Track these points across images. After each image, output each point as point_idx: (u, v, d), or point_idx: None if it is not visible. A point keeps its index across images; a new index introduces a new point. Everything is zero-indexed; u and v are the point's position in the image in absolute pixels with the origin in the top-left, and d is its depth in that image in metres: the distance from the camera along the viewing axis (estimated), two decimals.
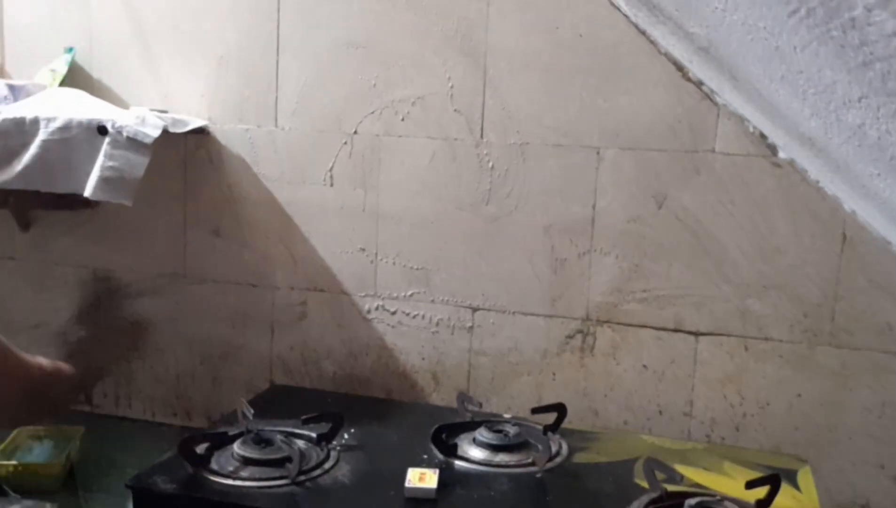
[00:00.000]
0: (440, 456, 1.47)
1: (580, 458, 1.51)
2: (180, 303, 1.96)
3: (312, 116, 1.83)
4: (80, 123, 1.62)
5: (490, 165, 1.74)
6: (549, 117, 1.70)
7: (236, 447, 1.43)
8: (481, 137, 1.74)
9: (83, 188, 1.61)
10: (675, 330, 1.68)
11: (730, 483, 1.42)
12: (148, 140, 1.62)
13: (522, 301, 1.76)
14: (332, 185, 1.84)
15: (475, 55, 1.73)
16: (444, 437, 1.52)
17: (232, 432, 1.48)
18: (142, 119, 1.64)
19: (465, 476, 1.42)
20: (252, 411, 1.50)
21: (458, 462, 1.46)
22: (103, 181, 1.59)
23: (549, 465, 1.45)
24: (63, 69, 1.91)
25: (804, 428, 1.63)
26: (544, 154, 1.71)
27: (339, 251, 1.86)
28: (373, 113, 1.80)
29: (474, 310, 1.79)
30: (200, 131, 1.88)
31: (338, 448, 1.50)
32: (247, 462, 1.40)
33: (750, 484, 1.29)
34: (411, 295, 1.82)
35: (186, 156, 1.92)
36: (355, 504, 1.33)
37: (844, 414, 1.61)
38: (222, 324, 1.95)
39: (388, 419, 1.66)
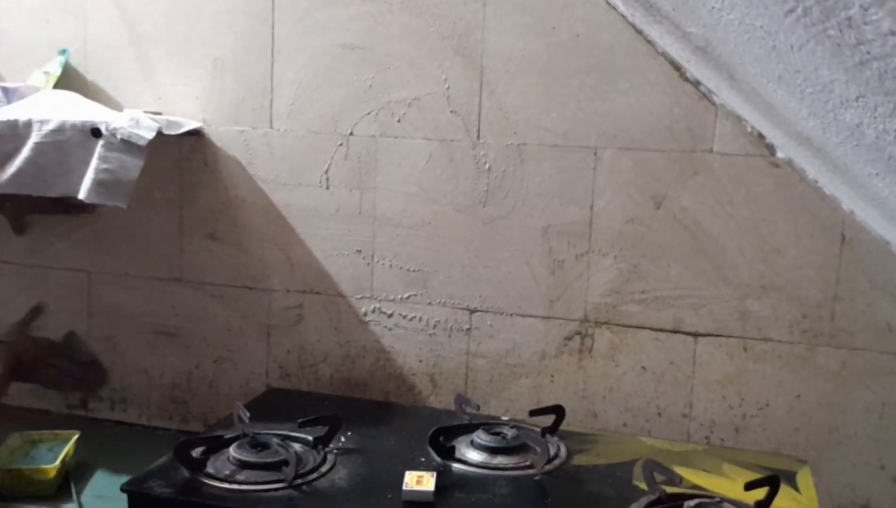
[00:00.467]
0: (438, 459, 1.47)
1: (579, 460, 1.50)
2: (176, 307, 1.96)
3: (308, 118, 1.83)
4: (73, 126, 1.61)
5: (487, 166, 1.73)
6: (547, 118, 1.69)
7: (232, 450, 1.43)
8: (478, 138, 1.73)
9: (77, 191, 1.60)
10: (674, 331, 1.67)
11: (729, 484, 1.41)
12: (142, 142, 1.61)
13: (520, 303, 1.75)
14: (327, 187, 1.83)
15: (471, 56, 1.72)
16: (442, 440, 1.51)
17: (228, 435, 1.48)
18: (136, 121, 1.63)
19: (463, 479, 1.41)
20: (248, 414, 1.49)
21: (455, 465, 1.45)
22: (97, 184, 1.58)
23: (548, 467, 1.45)
24: (57, 71, 1.90)
25: (804, 429, 1.63)
26: (541, 155, 1.70)
27: (336, 254, 1.85)
28: (369, 114, 1.79)
29: (472, 312, 1.78)
30: (195, 134, 1.87)
31: (335, 451, 1.49)
32: (243, 465, 1.39)
33: (749, 486, 1.29)
34: (408, 297, 1.82)
35: (181, 159, 1.91)
36: (352, 507, 1.32)
37: (844, 415, 1.60)
38: (218, 327, 1.94)
39: (385, 422, 1.65)
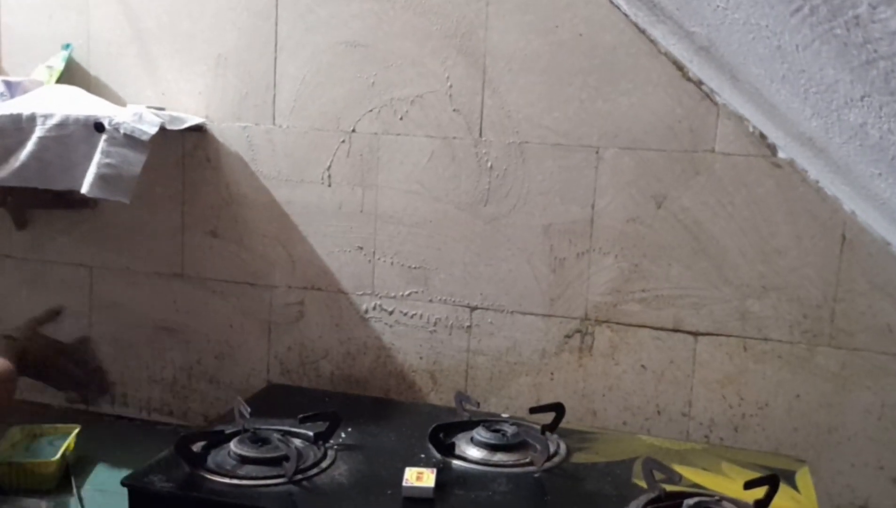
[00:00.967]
0: (438, 456, 1.47)
1: (578, 458, 1.50)
2: (178, 302, 1.96)
3: (311, 115, 1.83)
4: (76, 120, 1.62)
5: (489, 164, 1.73)
6: (549, 117, 1.70)
7: (233, 445, 1.43)
8: (480, 136, 1.74)
9: (80, 185, 1.60)
10: (675, 330, 1.68)
11: (728, 483, 1.41)
12: (145, 137, 1.61)
13: (521, 301, 1.76)
14: (329, 184, 1.83)
15: (474, 55, 1.72)
16: (442, 436, 1.51)
17: (229, 430, 1.48)
18: (139, 116, 1.64)
19: (463, 476, 1.41)
20: (249, 409, 1.49)
21: (455, 462, 1.46)
22: (100, 179, 1.58)
23: (548, 465, 1.45)
24: (60, 66, 1.90)
25: (803, 429, 1.63)
26: (543, 154, 1.71)
27: (337, 251, 1.85)
28: (371, 112, 1.79)
29: (472, 310, 1.79)
30: (198, 129, 1.87)
31: (335, 447, 1.49)
32: (244, 460, 1.40)
33: (748, 485, 1.29)
34: (409, 295, 1.82)
35: (184, 155, 1.91)
36: (352, 503, 1.32)
37: (844, 416, 1.61)
38: (219, 323, 1.94)
39: (385, 419, 1.66)
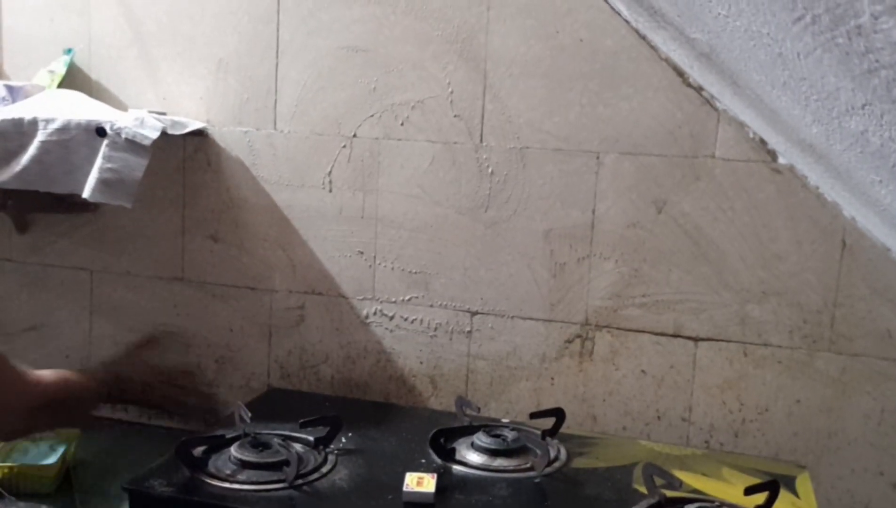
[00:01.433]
0: (438, 461, 1.47)
1: (579, 463, 1.51)
2: (178, 306, 1.96)
3: (312, 120, 1.83)
4: (78, 125, 1.62)
5: (490, 170, 1.74)
6: (549, 122, 1.70)
7: (233, 450, 1.43)
8: (481, 141, 1.74)
9: (81, 189, 1.60)
10: (675, 336, 1.68)
11: (729, 489, 1.41)
12: (146, 142, 1.61)
13: (521, 306, 1.76)
14: (330, 188, 1.83)
15: (475, 60, 1.72)
16: (443, 441, 1.51)
17: (229, 435, 1.48)
18: (140, 121, 1.64)
19: (464, 481, 1.41)
20: (250, 414, 1.50)
21: (456, 467, 1.46)
22: (102, 183, 1.58)
23: (548, 470, 1.45)
24: (62, 70, 1.90)
25: (803, 435, 1.63)
26: (544, 159, 1.71)
27: (338, 255, 1.85)
28: (372, 116, 1.79)
29: (473, 314, 1.79)
30: (199, 134, 1.88)
31: (335, 452, 1.49)
32: (244, 465, 1.40)
33: (749, 490, 1.29)
34: (410, 299, 1.82)
35: (185, 159, 1.91)
36: None
37: (844, 421, 1.61)
38: (220, 327, 1.94)
39: (386, 424, 1.66)
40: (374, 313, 1.85)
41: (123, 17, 1.92)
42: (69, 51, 1.94)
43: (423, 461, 1.47)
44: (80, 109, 1.72)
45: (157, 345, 1.85)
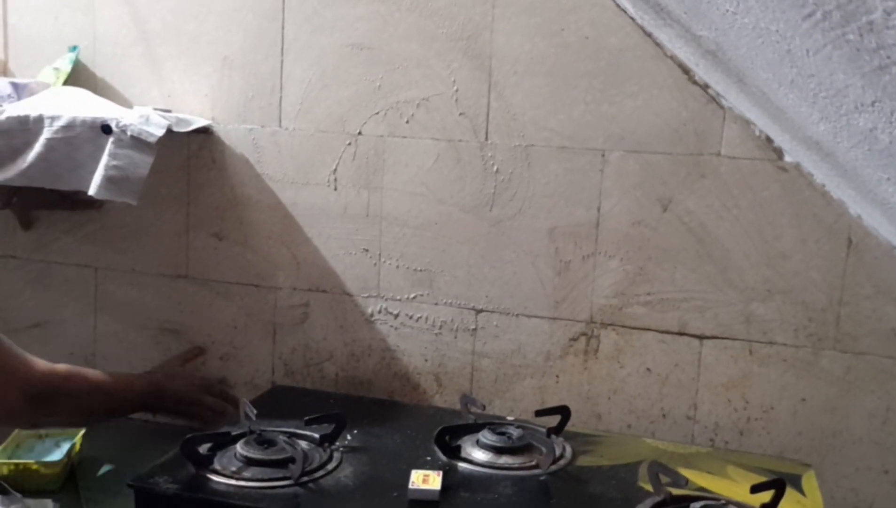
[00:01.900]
0: (443, 458, 1.47)
1: (584, 461, 1.51)
2: (182, 303, 1.96)
3: (316, 117, 1.83)
4: (84, 122, 1.62)
5: (494, 168, 1.74)
6: (554, 120, 1.70)
7: (239, 447, 1.43)
8: (486, 139, 1.74)
9: (86, 186, 1.60)
10: (680, 334, 1.68)
11: (734, 487, 1.41)
12: (152, 139, 1.61)
13: (526, 304, 1.76)
14: (335, 186, 1.83)
15: (480, 57, 1.72)
16: (448, 439, 1.51)
17: (235, 432, 1.48)
18: (146, 118, 1.64)
19: (469, 478, 1.41)
20: (255, 411, 1.50)
21: (461, 464, 1.46)
22: (107, 180, 1.58)
23: (553, 468, 1.45)
24: (67, 68, 1.90)
25: (808, 433, 1.63)
26: (549, 157, 1.71)
27: (342, 253, 1.85)
28: (377, 114, 1.79)
29: (478, 312, 1.79)
30: (204, 131, 1.88)
31: (340, 449, 1.49)
32: (250, 462, 1.40)
33: (755, 488, 1.29)
34: (414, 297, 1.82)
35: (189, 156, 1.92)
36: (358, 505, 1.32)
37: (849, 420, 1.61)
38: (224, 325, 1.94)
39: (390, 421, 1.66)
40: (379, 311, 1.85)
41: (128, 15, 1.92)
42: (74, 48, 1.94)
43: (429, 458, 1.47)
44: (85, 106, 1.72)
45: (202, 355, 1.87)
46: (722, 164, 1.62)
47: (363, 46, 1.79)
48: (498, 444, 1.49)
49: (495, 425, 1.56)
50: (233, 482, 1.35)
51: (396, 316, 1.84)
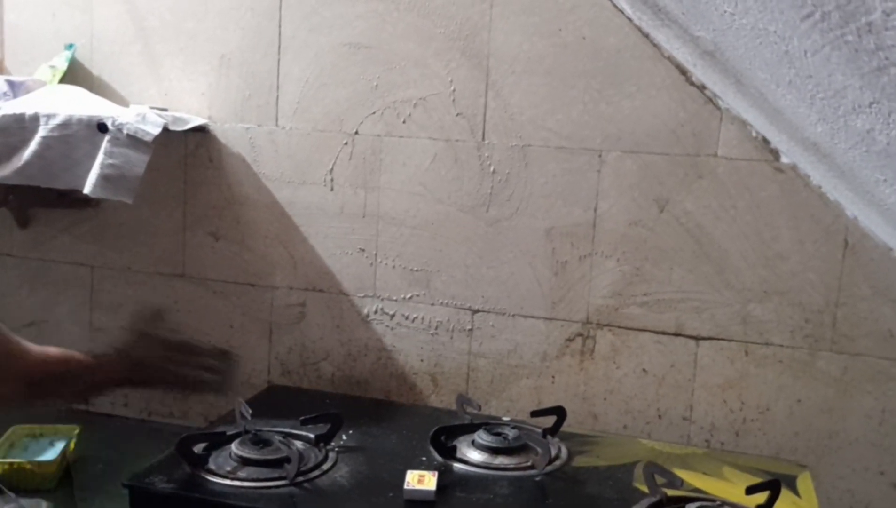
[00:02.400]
0: (439, 458, 1.47)
1: (580, 462, 1.50)
2: (178, 302, 1.96)
3: (313, 116, 1.83)
4: (80, 120, 1.61)
5: (491, 168, 1.73)
6: (552, 120, 1.70)
7: (234, 447, 1.42)
8: (483, 139, 1.74)
9: (83, 185, 1.60)
10: (676, 334, 1.68)
11: (730, 488, 1.41)
12: (148, 138, 1.61)
13: (522, 304, 1.76)
14: (332, 186, 1.83)
15: (478, 57, 1.72)
16: (443, 439, 1.51)
17: (230, 432, 1.48)
18: (142, 117, 1.64)
19: (465, 479, 1.41)
20: (250, 411, 1.49)
21: (457, 465, 1.45)
22: (103, 179, 1.58)
23: (549, 468, 1.45)
24: (63, 66, 1.90)
25: (804, 434, 1.63)
26: (546, 157, 1.71)
27: (339, 252, 1.85)
28: (374, 114, 1.79)
29: (474, 312, 1.79)
30: (201, 130, 1.87)
31: (336, 449, 1.49)
32: (245, 462, 1.39)
33: (750, 490, 1.29)
34: (411, 297, 1.82)
35: (186, 155, 1.91)
36: (354, 505, 1.32)
37: (845, 421, 1.61)
38: (220, 324, 1.94)
39: (386, 421, 1.66)
40: (375, 311, 1.84)
41: (126, 13, 1.92)
42: (71, 46, 1.93)
43: (424, 458, 1.47)
44: (81, 104, 1.71)
45: (161, 317, 1.83)
46: (719, 165, 1.62)
47: (361, 45, 1.78)
48: (494, 444, 1.49)
49: (491, 425, 1.56)
50: (228, 482, 1.35)
51: (393, 316, 1.83)
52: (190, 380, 1.63)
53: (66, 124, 1.61)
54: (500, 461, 1.47)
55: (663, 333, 1.69)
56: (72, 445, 1.67)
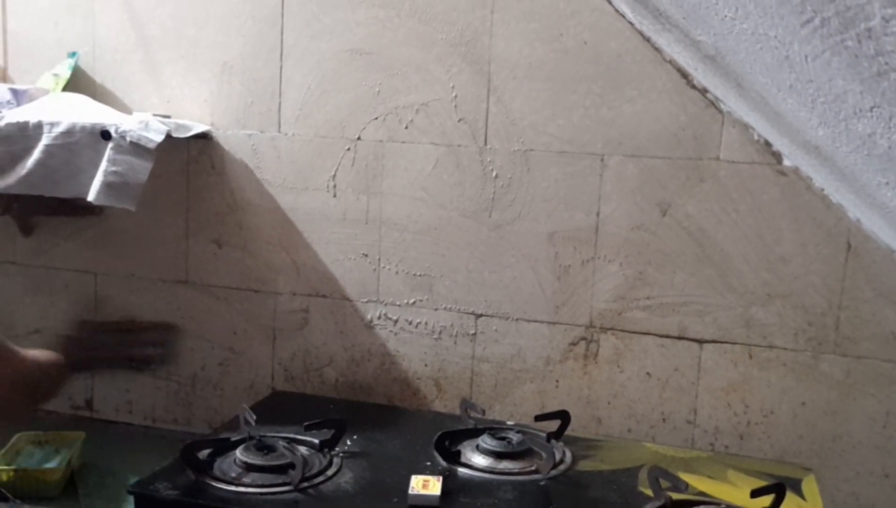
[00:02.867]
0: (443, 463, 1.47)
1: (584, 466, 1.51)
2: (182, 309, 1.96)
3: (316, 123, 1.83)
4: (83, 128, 1.62)
5: (494, 172, 1.74)
6: (553, 125, 1.70)
7: (239, 453, 1.43)
8: (485, 144, 1.74)
9: (86, 193, 1.60)
10: (679, 338, 1.68)
11: (734, 491, 1.41)
12: (151, 145, 1.61)
13: (526, 308, 1.76)
14: (334, 191, 1.83)
15: (479, 63, 1.72)
16: (448, 444, 1.51)
17: (234, 438, 1.48)
18: (145, 124, 1.64)
19: (469, 484, 1.41)
20: (255, 417, 1.49)
21: (461, 470, 1.46)
22: (107, 186, 1.58)
23: (553, 473, 1.45)
24: (66, 74, 1.90)
25: (808, 437, 1.63)
26: (548, 161, 1.71)
27: (342, 258, 1.85)
28: (376, 119, 1.79)
29: (477, 317, 1.79)
30: (203, 137, 1.88)
31: (340, 454, 1.49)
32: (249, 468, 1.40)
33: (755, 493, 1.29)
34: (414, 302, 1.82)
35: (189, 162, 1.92)
36: None
37: (849, 423, 1.61)
38: (224, 330, 1.94)
39: (390, 426, 1.66)
40: (379, 316, 1.84)
41: (128, 21, 1.92)
42: (73, 54, 1.94)
43: (429, 463, 1.47)
44: (84, 112, 1.72)
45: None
46: (721, 168, 1.62)
47: (362, 52, 1.79)
48: (498, 449, 1.50)
49: (495, 430, 1.57)
50: (232, 487, 1.35)
51: (396, 321, 1.84)
52: (134, 357, 1.61)
53: (69, 132, 1.62)
54: (505, 465, 1.47)
55: (667, 336, 1.69)
56: (76, 452, 1.68)
